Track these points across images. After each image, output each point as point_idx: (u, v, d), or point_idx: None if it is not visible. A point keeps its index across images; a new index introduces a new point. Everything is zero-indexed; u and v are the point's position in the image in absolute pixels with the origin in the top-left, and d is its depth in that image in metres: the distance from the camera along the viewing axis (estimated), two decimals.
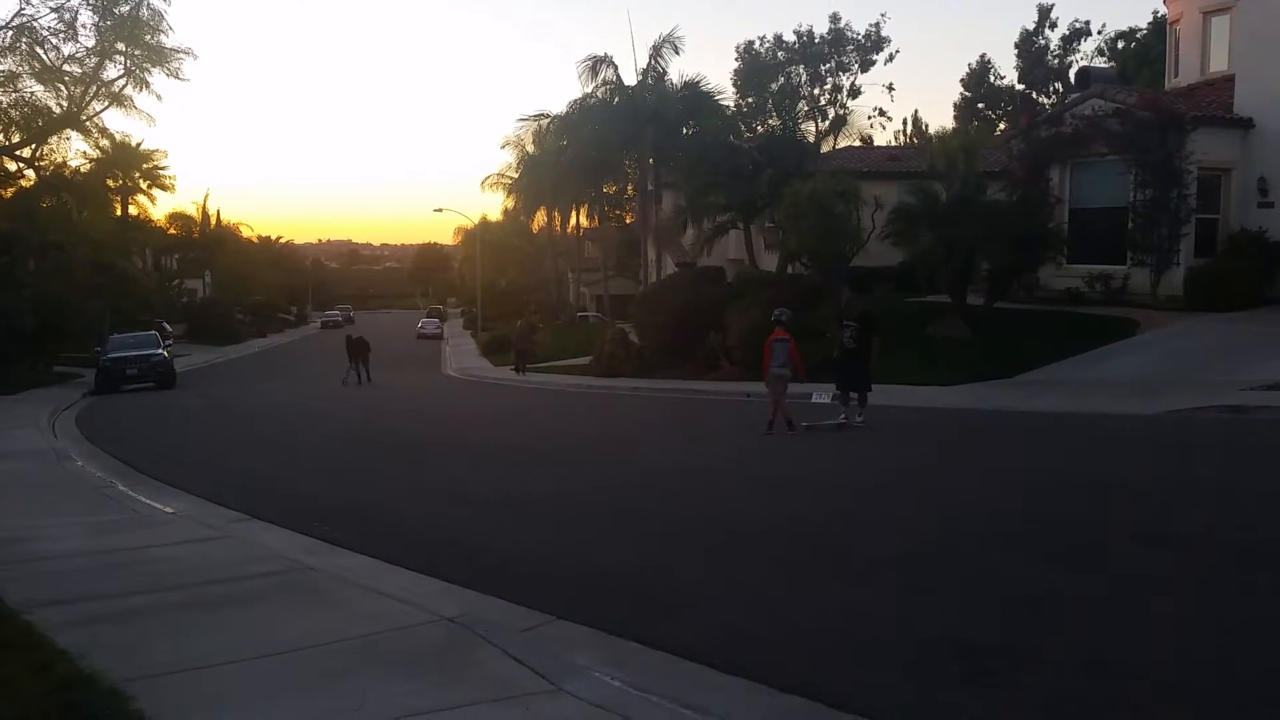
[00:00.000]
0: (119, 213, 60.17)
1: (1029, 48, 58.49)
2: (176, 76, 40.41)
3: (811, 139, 46.25)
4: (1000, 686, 4.93)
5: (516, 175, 62.77)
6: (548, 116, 52.88)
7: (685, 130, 40.67)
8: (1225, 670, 5.01)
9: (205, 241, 77.50)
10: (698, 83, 41.06)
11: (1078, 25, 57.93)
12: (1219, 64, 27.47)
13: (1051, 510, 9.01)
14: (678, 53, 42.73)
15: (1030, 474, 11.20)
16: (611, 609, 6.39)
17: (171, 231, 75.20)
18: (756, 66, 52.38)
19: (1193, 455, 12.19)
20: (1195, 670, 5.02)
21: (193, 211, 79.19)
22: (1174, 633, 5.60)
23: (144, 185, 64.39)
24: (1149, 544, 7.52)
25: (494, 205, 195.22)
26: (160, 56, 39.47)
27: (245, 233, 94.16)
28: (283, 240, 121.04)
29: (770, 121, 49.00)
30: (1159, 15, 43.73)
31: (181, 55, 40.29)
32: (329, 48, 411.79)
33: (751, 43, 53.85)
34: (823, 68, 52.87)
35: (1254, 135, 24.59)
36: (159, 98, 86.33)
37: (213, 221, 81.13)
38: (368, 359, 35.86)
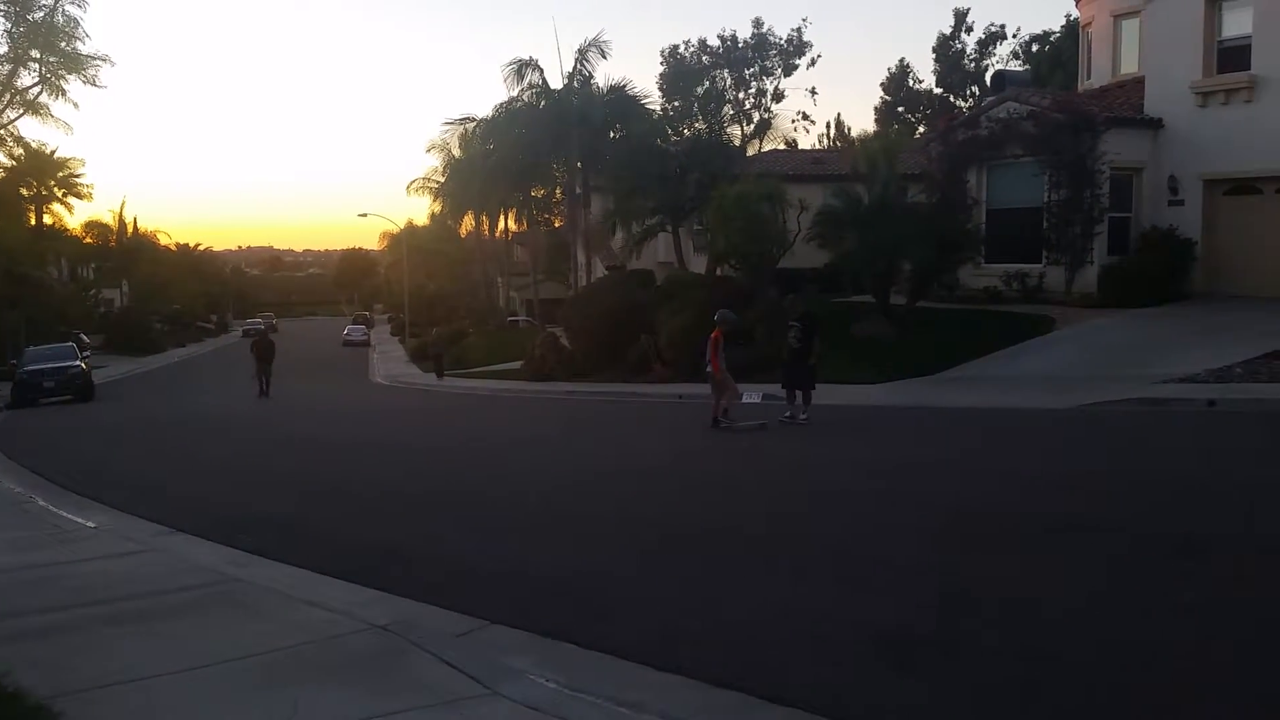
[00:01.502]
0: (33, 222, 58.65)
1: (946, 52, 59.73)
2: (93, 84, 39.81)
3: (737, 142, 46.73)
4: (930, 675, 5.06)
5: (443, 179, 62.28)
6: (473, 120, 52.67)
7: (612, 134, 40.77)
8: (1141, 654, 5.20)
9: (122, 250, 75.85)
10: (624, 87, 41.24)
11: (993, 29, 59.36)
12: (1130, 66, 28.32)
13: (976, 503, 9.23)
14: (604, 57, 42.88)
15: (953, 468, 11.44)
16: (547, 612, 6.41)
17: (88, 240, 73.54)
18: (682, 70, 52.75)
19: (1109, 447, 12.56)
20: (1114, 655, 5.21)
21: (109, 220, 77.58)
22: (1093, 620, 5.80)
23: (60, 194, 62.94)
24: (1070, 534, 7.76)
25: (420, 210, 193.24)
26: (76, 63, 38.76)
27: (163, 240, 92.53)
28: (202, 247, 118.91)
29: (696, 125, 49.31)
30: (1072, 19, 45.00)
31: (98, 62, 39.62)
32: (247, 53, 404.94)
33: (676, 47, 54.34)
34: (747, 72, 53.49)
35: (1164, 135, 25.35)
36: (76, 105, 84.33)
37: (129, 230, 79.50)
38: (269, 366, 32.22)
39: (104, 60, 40.16)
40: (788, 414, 15.96)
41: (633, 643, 5.69)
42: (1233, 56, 24.09)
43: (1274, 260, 22.26)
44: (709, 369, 15.82)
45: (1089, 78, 30.84)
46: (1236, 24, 24.10)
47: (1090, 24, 30.95)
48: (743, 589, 6.82)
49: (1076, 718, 4.54)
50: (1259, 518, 8.05)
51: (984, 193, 27.29)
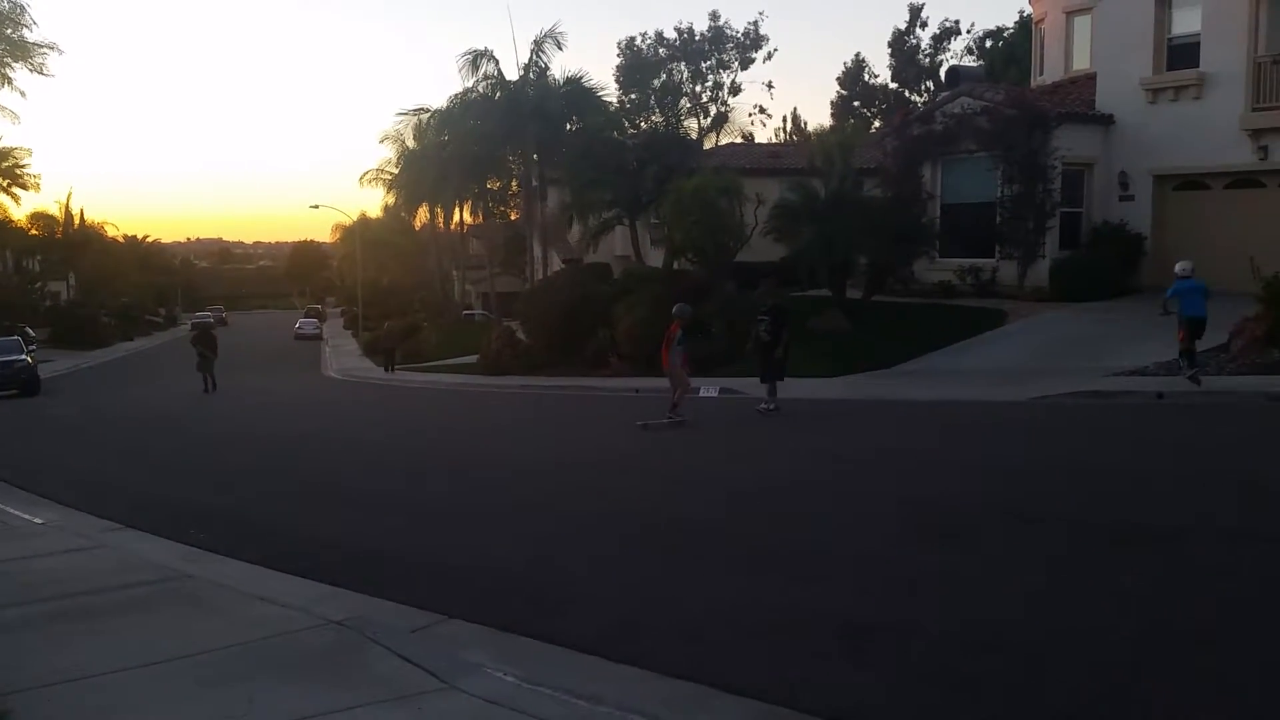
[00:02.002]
0: None
1: (901, 47, 60.15)
2: (41, 72, 39.00)
3: (694, 136, 46.79)
4: (883, 663, 5.10)
5: (397, 171, 61.64)
6: (428, 111, 52.29)
7: (569, 126, 40.63)
8: (1095, 642, 5.28)
9: (68, 242, 74.43)
10: (580, 79, 41.11)
11: (948, 24, 59.91)
12: (1082, 62, 28.65)
13: (930, 493, 9.32)
14: (560, 48, 42.72)
15: (910, 460, 11.53)
16: (504, 606, 6.39)
17: (33, 232, 71.95)
18: (639, 63, 52.69)
19: (1062, 440, 12.72)
20: (1068, 643, 5.28)
21: (56, 211, 76.06)
22: (1042, 607, 5.87)
23: (4, 184, 61.54)
24: (1022, 523, 7.86)
25: (374, 201, 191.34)
26: (23, 51, 37.97)
27: (111, 232, 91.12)
28: (150, 239, 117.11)
29: (654, 118, 49.31)
30: (1025, 15, 45.35)
31: (46, 50, 38.83)
32: (197, 41, 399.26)
33: (634, 39, 54.25)
34: (704, 65, 53.55)
35: (1115, 131, 25.71)
36: (23, 94, 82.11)
37: (76, 221, 77.99)
38: (212, 361, 30.93)
39: (52, 48, 39.41)
40: (765, 405, 16.09)
41: (591, 636, 5.69)
42: (1182, 54, 24.48)
43: (1222, 255, 22.57)
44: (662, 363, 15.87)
45: (1042, 74, 31.16)
46: (1186, 22, 24.49)
47: (1043, 20, 31.29)
48: (700, 582, 6.83)
49: (1031, 706, 4.60)
50: (1204, 509, 8.19)
51: (938, 187, 27.52)
